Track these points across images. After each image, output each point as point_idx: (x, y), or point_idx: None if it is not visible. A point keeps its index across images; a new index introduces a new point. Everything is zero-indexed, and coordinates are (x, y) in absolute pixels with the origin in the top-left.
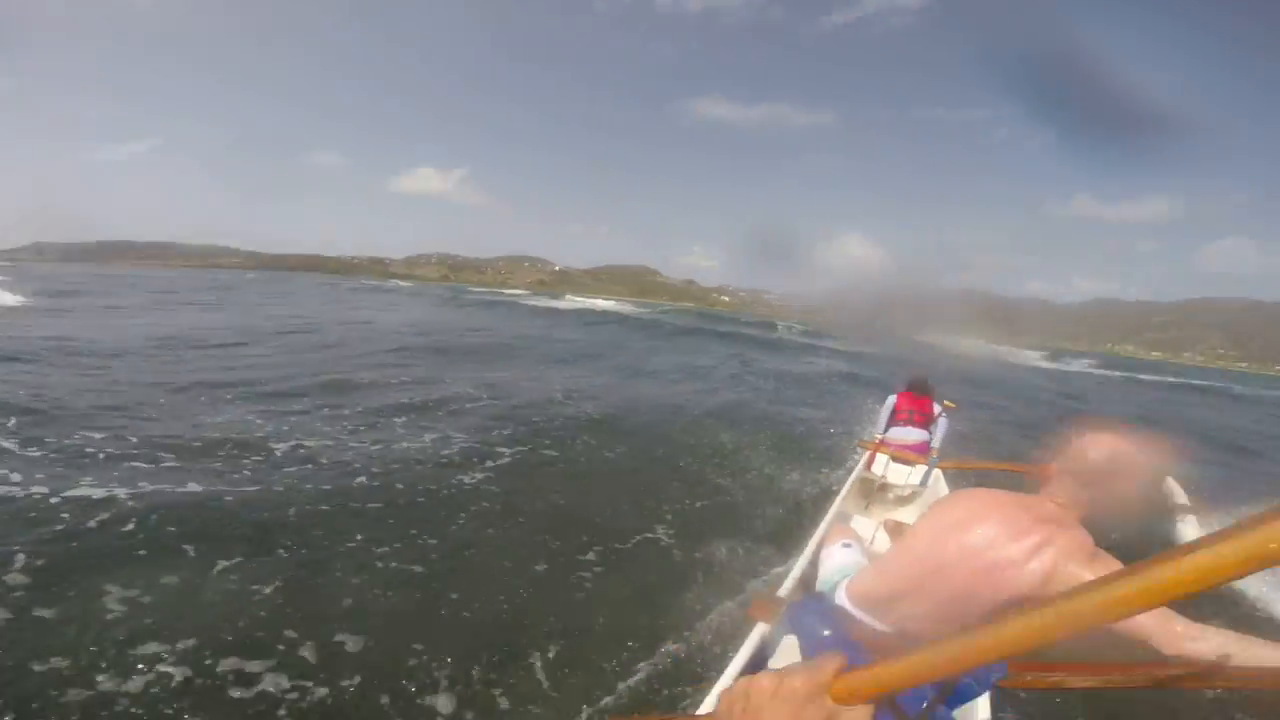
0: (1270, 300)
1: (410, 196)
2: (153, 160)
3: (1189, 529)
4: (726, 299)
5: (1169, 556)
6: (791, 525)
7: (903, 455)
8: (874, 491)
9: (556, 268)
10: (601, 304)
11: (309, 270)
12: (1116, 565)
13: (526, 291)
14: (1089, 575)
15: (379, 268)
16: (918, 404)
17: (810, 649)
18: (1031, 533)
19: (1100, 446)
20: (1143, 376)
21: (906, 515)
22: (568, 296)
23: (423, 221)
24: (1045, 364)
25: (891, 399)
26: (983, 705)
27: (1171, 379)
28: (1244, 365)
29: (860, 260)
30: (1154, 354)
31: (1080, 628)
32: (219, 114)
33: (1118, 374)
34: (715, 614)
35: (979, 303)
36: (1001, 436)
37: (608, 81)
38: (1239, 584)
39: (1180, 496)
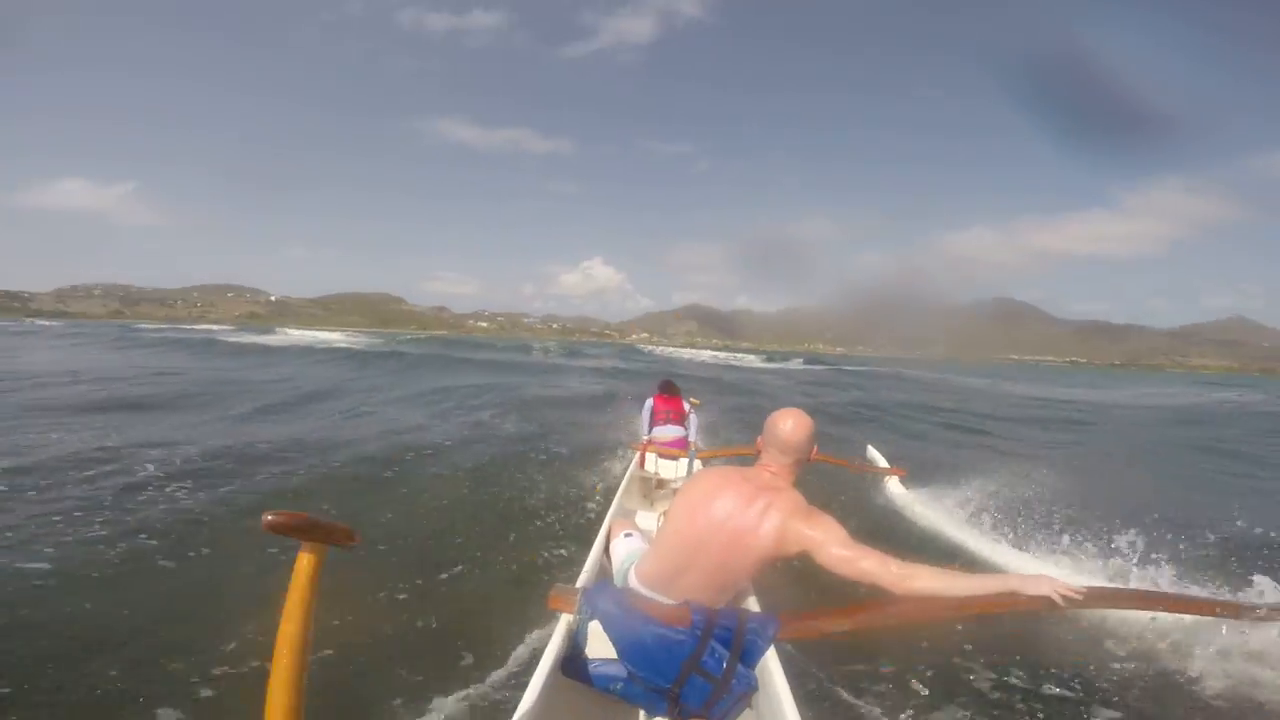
0: (903, 299)
1: (53, 214)
2: None
3: (894, 489)
4: (484, 325)
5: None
6: (581, 526)
7: (667, 452)
8: (653, 488)
9: (272, 298)
10: (327, 336)
11: None
12: (829, 519)
13: (231, 326)
14: (809, 529)
15: (14, 304)
16: (671, 404)
17: (612, 630)
18: (757, 499)
19: (783, 421)
20: (847, 367)
21: None
22: (281, 330)
23: (77, 246)
24: (767, 365)
25: (649, 402)
26: (772, 659)
27: (857, 367)
28: (899, 352)
29: (602, 281)
30: (838, 349)
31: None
32: None
33: (821, 368)
34: (527, 616)
35: (705, 317)
36: (750, 425)
37: (337, 94)
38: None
39: (882, 460)
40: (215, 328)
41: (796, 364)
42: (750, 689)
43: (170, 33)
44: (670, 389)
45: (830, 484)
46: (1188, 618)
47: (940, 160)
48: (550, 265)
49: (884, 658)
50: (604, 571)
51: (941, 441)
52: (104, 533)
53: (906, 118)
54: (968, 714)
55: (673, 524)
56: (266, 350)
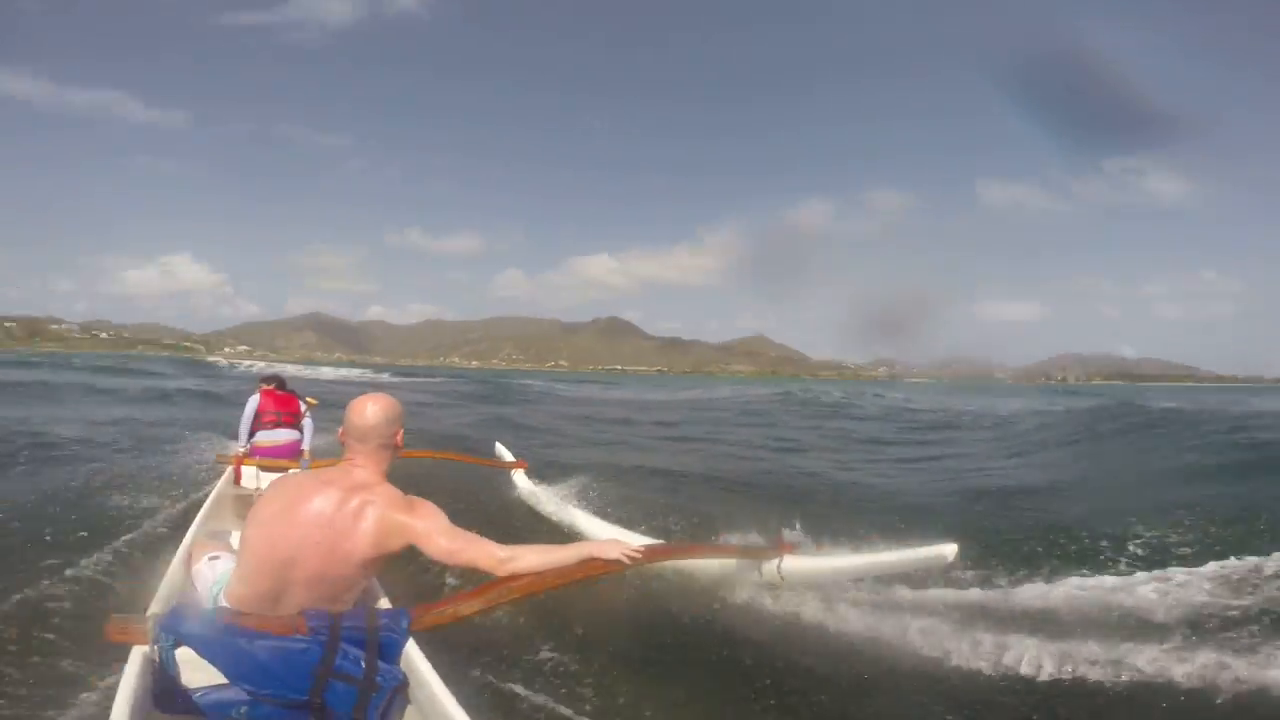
0: (539, 316)
1: None
2: None
3: (519, 480)
4: None
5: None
6: (149, 554)
7: (274, 463)
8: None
9: None
10: None
11: None
12: (431, 507)
13: None
14: (412, 519)
15: None
16: (283, 403)
17: (212, 654)
18: (351, 498)
19: (360, 406)
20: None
21: None
22: None
23: None
24: (395, 379)
25: (254, 399)
26: (415, 652)
27: (476, 383)
28: (527, 364)
29: (189, 282)
30: (474, 363)
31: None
32: None
33: (439, 379)
34: (69, 663)
35: (329, 327)
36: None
37: None
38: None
39: (508, 455)
40: None
41: (432, 379)
42: (399, 683)
43: None
44: (281, 384)
45: (460, 481)
46: (718, 561)
47: (585, 195)
48: (111, 257)
49: (517, 635)
50: (185, 600)
51: (568, 441)
52: None
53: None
54: (608, 673)
55: (253, 543)
56: None
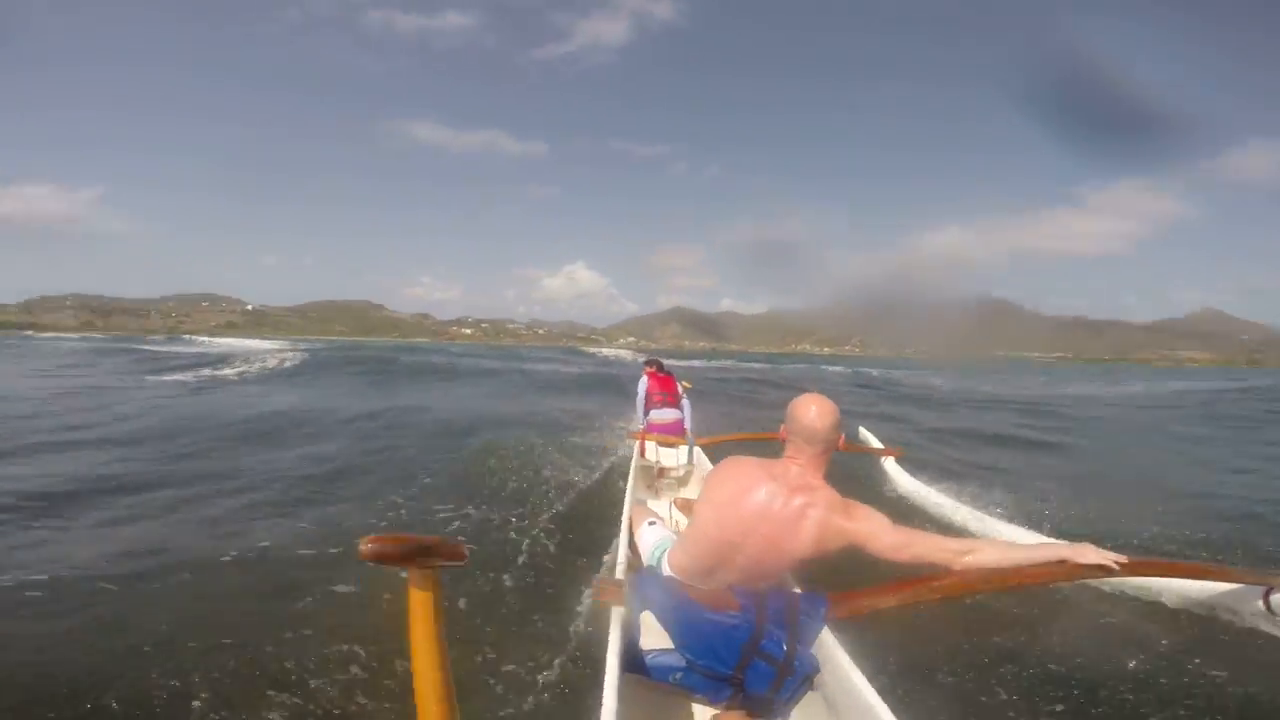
0: (891, 300)
1: (12, 223)
2: None
3: (892, 469)
4: (468, 331)
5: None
6: (595, 513)
7: (666, 439)
8: (655, 477)
9: (249, 306)
10: (255, 345)
11: None
12: (868, 509)
13: (206, 336)
14: (851, 524)
15: None
16: (666, 384)
17: (666, 619)
18: (795, 496)
19: (806, 407)
20: (830, 368)
21: (690, 492)
22: (199, 339)
23: (42, 255)
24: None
25: (643, 382)
26: (829, 638)
27: (841, 367)
28: (886, 352)
29: (586, 285)
30: (825, 349)
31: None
32: None
33: (839, 368)
34: (584, 603)
35: (690, 320)
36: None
37: (302, 96)
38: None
39: (875, 441)
40: (160, 339)
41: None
42: (814, 669)
43: (128, 25)
44: (661, 367)
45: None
46: (1217, 585)
47: (910, 159)
48: (532, 270)
49: (937, 633)
50: (632, 563)
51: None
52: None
53: (876, 116)
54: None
55: (702, 523)
56: (197, 357)
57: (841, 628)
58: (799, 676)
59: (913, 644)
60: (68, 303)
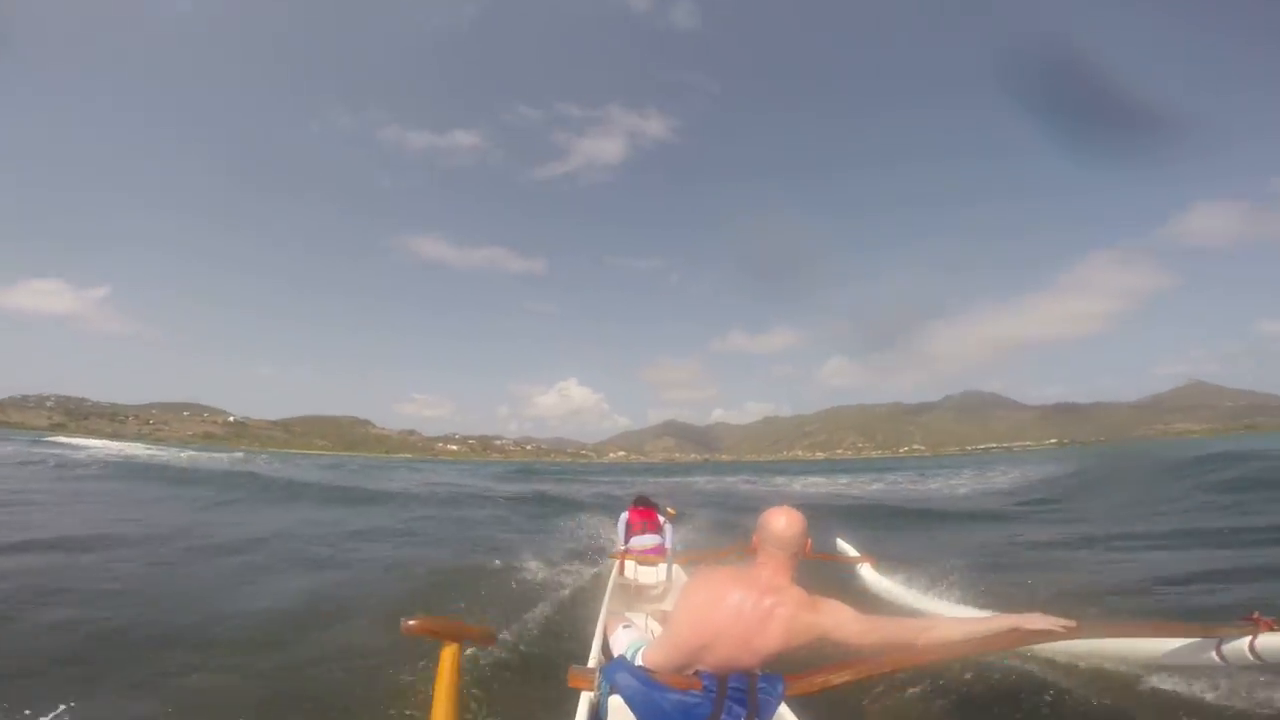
0: (873, 403)
1: (20, 316)
2: None
3: (867, 574)
4: (454, 447)
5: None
6: (573, 617)
7: (646, 559)
8: (632, 593)
9: (231, 418)
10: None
11: None
12: (834, 602)
13: (177, 446)
14: (817, 617)
15: None
16: (647, 515)
17: (633, 701)
18: (764, 598)
19: (776, 519)
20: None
21: (667, 605)
22: (71, 439)
23: (32, 351)
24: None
25: (624, 515)
26: (786, 713)
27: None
28: (876, 452)
29: (579, 401)
30: (818, 454)
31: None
32: None
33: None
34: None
35: (682, 432)
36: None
37: (312, 205)
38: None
39: (852, 550)
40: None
41: (784, 478)
42: None
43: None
44: (645, 502)
45: (805, 576)
46: (1170, 641)
47: (895, 265)
48: (526, 386)
49: (884, 708)
50: (608, 658)
51: (916, 534)
52: None
53: (854, 235)
54: None
55: (676, 625)
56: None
57: (801, 705)
58: None
59: (868, 717)
60: (48, 402)
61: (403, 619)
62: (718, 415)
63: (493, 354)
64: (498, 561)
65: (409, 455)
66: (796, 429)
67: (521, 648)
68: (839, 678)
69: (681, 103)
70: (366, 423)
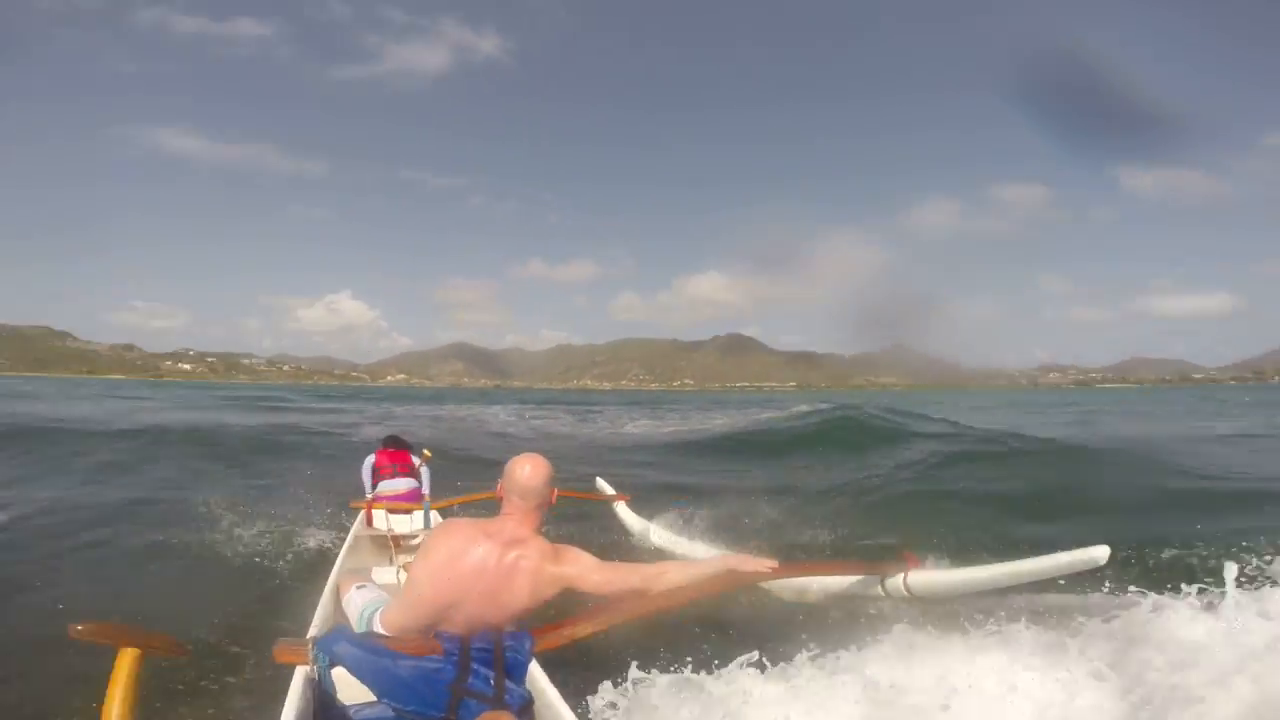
0: (659, 338)
1: None
2: None
3: (622, 512)
4: (187, 366)
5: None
6: (301, 587)
7: (398, 506)
8: (390, 545)
9: None
10: None
11: None
12: (575, 551)
13: None
14: (561, 568)
15: None
16: (397, 458)
17: (361, 672)
18: (508, 552)
19: (520, 467)
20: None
21: None
22: None
23: None
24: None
25: (370, 459)
26: (538, 671)
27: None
28: (654, 385)
29: (351, 317)
30: (605, 384)
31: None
32: None
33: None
34: (250, 672)
35: (473, 356)
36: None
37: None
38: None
39: (609, 489)
40: None
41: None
42: (526, 701)
43: None
44: (396, 443)
45: (565, 513)
46: (840, 579)
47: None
48: (285, 297)
49: (631, 653)
50: (338, 625)
51: (665, 469)
52: None
53: (664, 171)
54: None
55: (418, 585)
56: None
57: (552, 659)
58: (512, 711)
59: (613, 664)
60: None
61: (70, 623)
62: (511, 340)
63: (245, 259)
64: (195, 530)
65: (122, 375)
66: (588, 358)
67: (216, 638)
68: (584, 629)
69: (524, 25)
70: (65, 335)
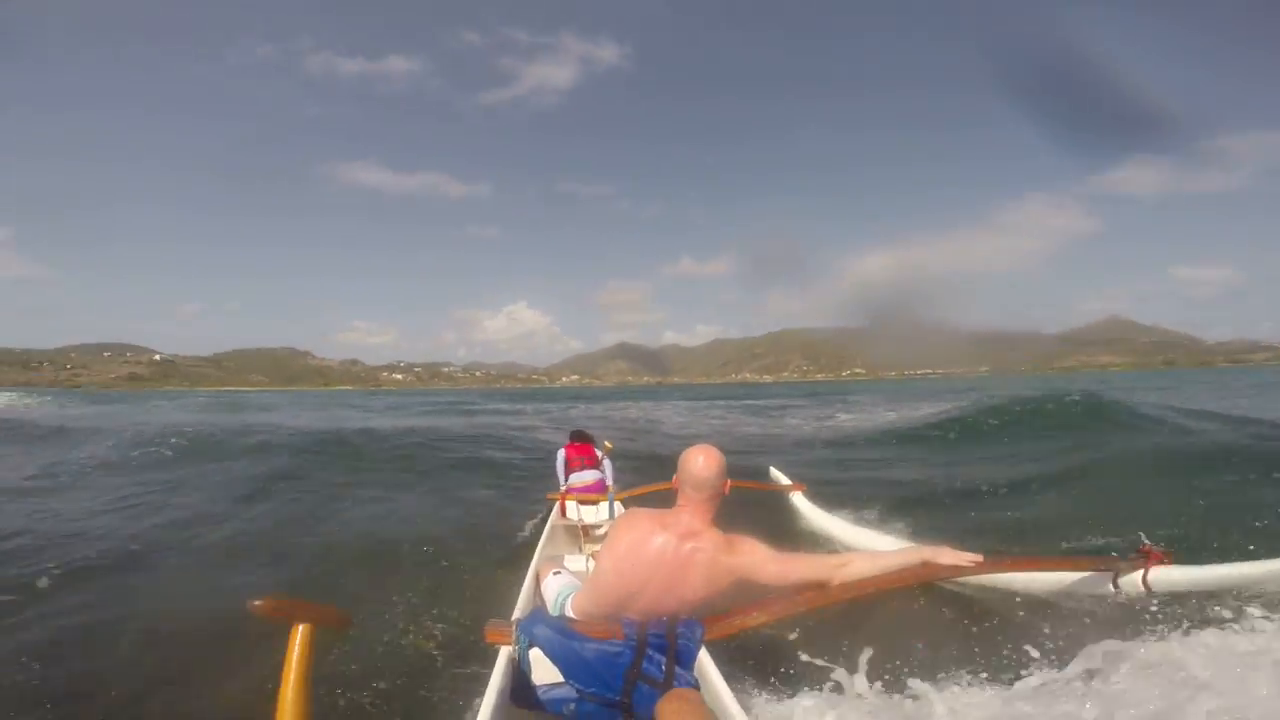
0: (824, 326)
1: None
2: None
3: (799, 502)
4: (399, 376)
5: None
6: (507, 570)
7: (586, 497)
8: (579, 535)
9: (157, 356)
10: None
11: None
12: (751, 542)
13: (97, 389)
14: (736, 559)
15: None
16: (583, 451)
17: (552, 653)
18: (685, 542)
19: (694, 459)
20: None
21: None
22: None
23: None
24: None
25: (560, 453)
26: (706, 659)
27: (779, 400)
28: (820, 375)
29: (529, 325)
30: (765, 377)
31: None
32: None
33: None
34: (460, 649)
35: (634, 355)
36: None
37: (235, 138)
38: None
39: (784, 479)
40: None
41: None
42: (692, 687)
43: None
44: (581, 437)
45: (740, 503)
46: (1058, 575)
47: (831, 191)
48: (473, 311)
49: (803, 646)
50: (536, 609)
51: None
52: None
53: (796, 160)
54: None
55: (603, 573)
56: None
57: (719, 648)
58: None
59: (781, 657)
60: None
61: (249, 600)
62: (669, 338)
63: (436, 279)
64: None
65: (350, 387)
66: (745, 351)
67: (416, 623)
68: (756, 620)
69: (633, 30)
70: (305, 354)
